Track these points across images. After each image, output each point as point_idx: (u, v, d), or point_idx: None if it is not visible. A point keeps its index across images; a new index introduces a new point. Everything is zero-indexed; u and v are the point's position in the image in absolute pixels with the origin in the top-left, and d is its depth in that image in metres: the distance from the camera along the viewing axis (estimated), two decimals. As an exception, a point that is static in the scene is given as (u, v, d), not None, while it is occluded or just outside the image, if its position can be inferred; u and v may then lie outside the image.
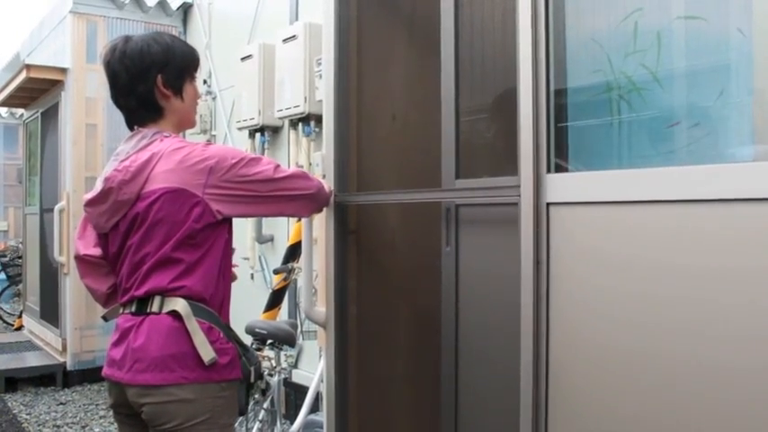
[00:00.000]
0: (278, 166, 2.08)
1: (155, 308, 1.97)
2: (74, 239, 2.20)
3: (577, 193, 1.59)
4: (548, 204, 1.64)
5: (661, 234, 1.45)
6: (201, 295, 1.99)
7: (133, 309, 2.01)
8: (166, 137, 2.06)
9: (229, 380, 2.00)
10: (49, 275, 6.82)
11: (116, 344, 2.04)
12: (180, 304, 1.95)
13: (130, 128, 2.14)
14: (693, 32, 1.66)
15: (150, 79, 2.06)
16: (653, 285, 1.46)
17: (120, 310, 2.07)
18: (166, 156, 1.99)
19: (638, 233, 1.49)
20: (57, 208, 6.17)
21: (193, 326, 1.95)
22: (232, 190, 1.99)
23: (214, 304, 2.03)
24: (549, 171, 1.64)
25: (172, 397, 1.93)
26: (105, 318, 2.18)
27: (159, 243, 1.97)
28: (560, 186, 1.62)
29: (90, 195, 2.08)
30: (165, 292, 1.97)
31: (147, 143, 2.03)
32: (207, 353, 1.94)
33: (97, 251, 2.14)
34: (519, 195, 1.66)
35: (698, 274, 1.38)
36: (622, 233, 1.52)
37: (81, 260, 2.17)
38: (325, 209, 2.28)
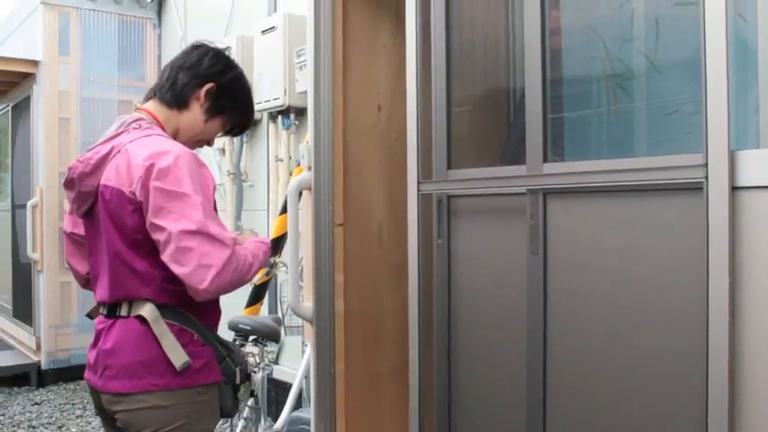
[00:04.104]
0: (206, 225, 1.78)
1: (123, 311, 1.90)
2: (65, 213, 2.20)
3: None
4: (735, 188, 1.40)
5: None
6: (165, 302, 1.89)
7: (105, 311, 1.96)
8: (135, 129, 1.93)
9: (207, 384, 1.91)
10: (22, 273, 6.67)
11: (92, 346, 1.98)
12: (147, 308, 1.87)
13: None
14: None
15: (202, 81, 2.04)
16: None
17: (100, 309, 2.00)
18: (122, 153, 1.88)
19: None
20: (29, 204, 6.04)
21: (161, 329, 1.86)
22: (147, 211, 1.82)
23: (184, 306, 1.90)
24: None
25: (143, 404, 1.85)
26: (90, 315, 2.08)
27: (111, 248, 1.89)
28: (751, 166, 1.38)
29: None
30: (132, 298, 1.89)
31: (118, 133, 1.93)
32: (178, 357, 1.85)
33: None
34: (706, 177, 1.43)
35: None
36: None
37: (68, 237, 2.15)
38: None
